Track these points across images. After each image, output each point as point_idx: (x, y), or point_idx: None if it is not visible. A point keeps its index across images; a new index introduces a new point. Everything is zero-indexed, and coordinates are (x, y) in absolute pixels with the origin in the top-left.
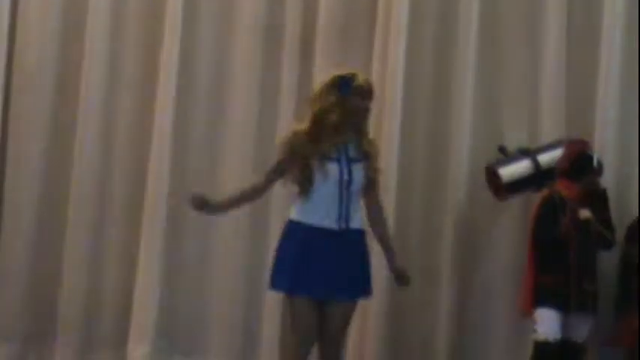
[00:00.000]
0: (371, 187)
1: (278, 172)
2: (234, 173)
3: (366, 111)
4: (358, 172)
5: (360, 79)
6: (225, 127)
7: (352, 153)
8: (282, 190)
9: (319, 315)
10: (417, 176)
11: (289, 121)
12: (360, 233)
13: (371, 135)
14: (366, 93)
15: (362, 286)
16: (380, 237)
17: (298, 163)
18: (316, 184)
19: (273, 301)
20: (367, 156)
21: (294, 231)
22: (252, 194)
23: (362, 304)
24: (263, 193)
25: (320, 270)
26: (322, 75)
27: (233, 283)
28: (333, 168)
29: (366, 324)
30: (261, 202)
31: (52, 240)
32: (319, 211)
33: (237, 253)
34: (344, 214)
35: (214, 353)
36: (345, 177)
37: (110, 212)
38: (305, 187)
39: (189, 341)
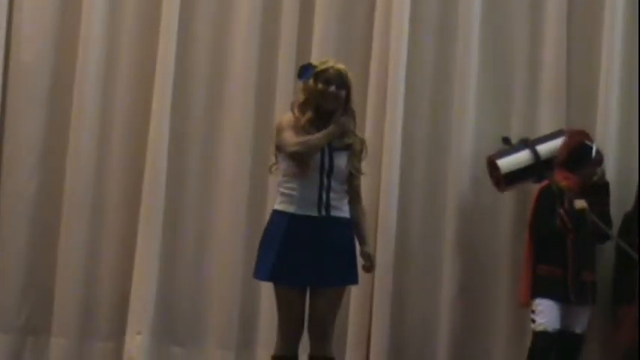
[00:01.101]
0: (352, 178)
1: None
2: (231, 164)
3: (324, 94)
4: (340, 160)
5: (327, 65)
6: (223, 118)
7: (336, 142)
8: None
9: (306, 303)
10: (418, 168)
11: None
12: (343, 221)
13: (372, 128)
14: (330, 79)
15: (346, 273)
16: (354, 221)
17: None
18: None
19: (270, 291)
20: (350, 148)
21: (276, 221)
22: None
23: (365, 291)
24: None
25: (301, 258)
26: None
27: (230, 274)
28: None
29: (368, 311)
30: (259, 193)
31: (48, 231)
32: (301, 199)
33: (235, 244)
34: (324, 202)
35: (212, 344)
36: (326, 164)
37: (107, 203)
38: (299, 169)
39: (187, 332)
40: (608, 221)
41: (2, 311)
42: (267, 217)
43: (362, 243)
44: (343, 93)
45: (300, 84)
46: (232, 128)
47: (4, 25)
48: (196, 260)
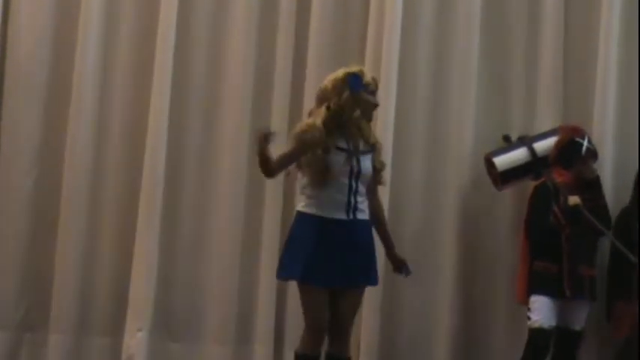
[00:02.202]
0: (375, 178)
1: (290, 160)
2: (229, 161)
3: (375, 106)
4: (366, 163)
5: (368, 75)
6: (221, 114)
7: (362, 146)
8: (277, 178)
9: (331, 303)
10: (416, 167)
11: (282, 117)
12: (366, 223)
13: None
14: (374, 90)
15: (368, 274)
16: (378, 226)
17: (312, 154)
18: (329, 177)
19: (268, 288)
20: (373, 148)
21: (304, 222)
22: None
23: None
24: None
25: (331, 259)
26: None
27: (228, 271)
28: (343, 160)
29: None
30: (257, 191)
31: (46, 227)
32: (330, 202)
33: (233, 241)
34: (352, 205)
35: (210, 340)
36: (355, 168)
37: (105, 200)
38: (321, 177)
39: (185, 328)
40: (605, 215)
41: (0, 308)
42: (264, 214)
43: (391, 246)
44: None
45: (347, 94)
46: (230, 125)
47: None
48: (194, 257)
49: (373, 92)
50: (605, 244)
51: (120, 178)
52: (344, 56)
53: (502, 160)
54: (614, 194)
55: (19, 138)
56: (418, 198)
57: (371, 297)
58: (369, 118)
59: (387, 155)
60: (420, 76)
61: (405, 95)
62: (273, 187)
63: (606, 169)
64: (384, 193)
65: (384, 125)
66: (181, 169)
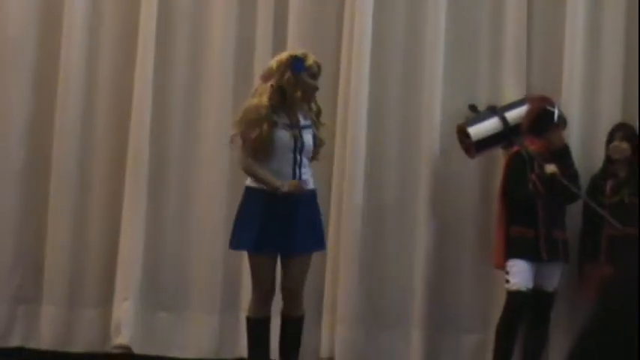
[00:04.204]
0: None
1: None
2: (213, 131)
3: (315, 89)
4: (308, 137)
5: (311, 59)
6: (205, 79)
7: (302, 121)
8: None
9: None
10: (390, 132)
11: None
12: (311, 193)
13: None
14: (315, 73)
15: (317, 240)
16: None
17: (257, 131)
18: (274, 151)
19: None
20: (314, 124)
21: (253, 196)
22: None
23: (335, 259)
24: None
25: (280, 230)
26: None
27: (214, 240)
28: (287, 135)
29: (340, 271)
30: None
31: (36, 201)
32: (276, 175)
33: (217, 211)
34: (297, 177)
35: (197, 308)
36: (299, 143)
37: (93, 172)
38: (267, 152)
39: (173, 297)
40: (576, 181)
41: None
42: None
43: None
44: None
45: (290, 75)
46: (213, 91)
47: None
48: (180, 228)
49: (314, 75)
50: (576, 209)
51: (108, 151)
52: (321, 37)
53: (476, 130)
54: (580, 162)
55: (9, 113)
56: (393, 166)
57: (346, 267)
58: (309, 99)
59: (361, 126)
60: (393, 50)
61: (379, 71)
62: None
63: (572, 138)
64: (360, 161)
65: (357, 99)
66: (166, 141)
